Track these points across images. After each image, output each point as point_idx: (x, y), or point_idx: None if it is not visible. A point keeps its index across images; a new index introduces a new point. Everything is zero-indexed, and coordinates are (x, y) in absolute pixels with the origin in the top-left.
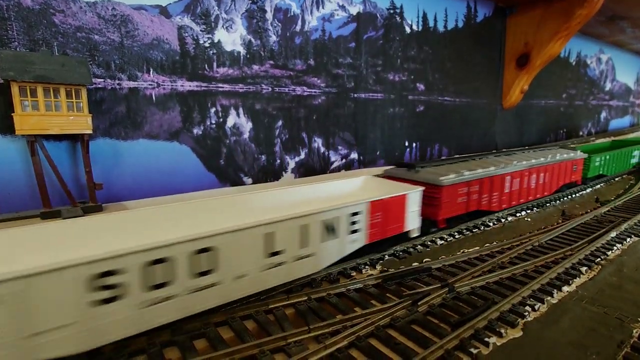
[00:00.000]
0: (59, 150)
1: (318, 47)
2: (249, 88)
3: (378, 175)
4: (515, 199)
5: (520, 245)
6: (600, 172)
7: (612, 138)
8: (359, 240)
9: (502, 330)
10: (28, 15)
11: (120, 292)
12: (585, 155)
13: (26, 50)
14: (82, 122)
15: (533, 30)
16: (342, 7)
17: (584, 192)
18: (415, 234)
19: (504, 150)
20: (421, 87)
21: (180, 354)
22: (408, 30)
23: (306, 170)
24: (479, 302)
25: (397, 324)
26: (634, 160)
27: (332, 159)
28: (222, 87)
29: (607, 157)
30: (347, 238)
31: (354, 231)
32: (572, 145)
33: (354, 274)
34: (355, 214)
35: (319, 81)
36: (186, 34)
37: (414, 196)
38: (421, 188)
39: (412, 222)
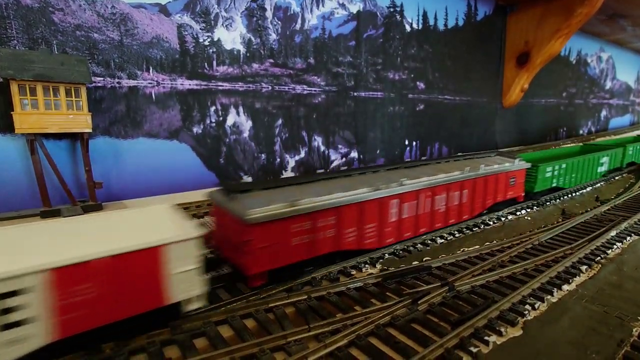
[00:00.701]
0: (58, 149)
1: (318, 45)
2: (249, 86)
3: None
4: (410, 229)
5: (521, 244)
6: (555, 185)
7: (584, 142)
8: (30, 338)
9: (502, 329)
10: (27, 13)
11: None
12: (527, 165)
13: (25, 49)
14: (81, 121)
15: (533, 28)
16: (342, 6)
17: (584, 190)
18: (196, 305)
19: (423, 159)
20: (421, 85)
21: (180, 353)
22: (408, 28)
23: (306, 169)
24: (479, 301)
25: (397, 323)
26: (601, 169)
27: (332, 157)
28: (222, 86)
29: (563, 166)
30: None
31: (12, 325)
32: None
33: (354, 272)
34: (8, 294)
35: (319, 80)
36: (186, 33)
37: (180, 249)
38: (196, 234)
39: (184, 289)
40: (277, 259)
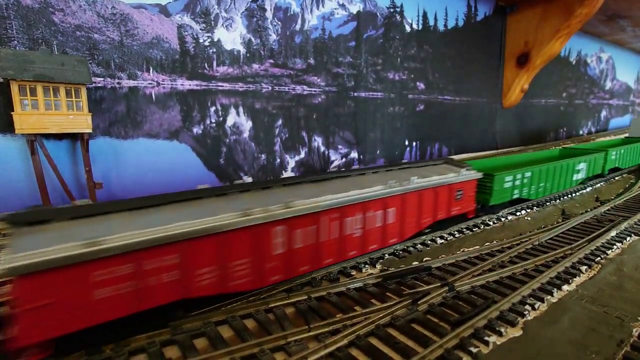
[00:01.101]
0: (58, 150)
1: (318, 45)
2: (249, 87)
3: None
4: (307, 262)
5: (521, 244)
6: (517, 196)
7: (562, 145)
8: None
9: (502, 329)
10: (27, 14)
11: None
12: (478, 176)
13: (26, 49)
14: (81, 121)
15: (533, 29)
16: (342, 6)
17: (584, 191)
18: None
19: (343, 170)
20: (421, 86)
21: (180, 353)
22: (408, 29)
23: (306, 169)
24: (479, 301)
25: (397, 323)
26: (577, 177)
27: (332, 157)
28: (222, 86)
29: (528, 174)
30: None
31: None
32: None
33: (354, 272)
34: None
35: (318, 80)
36: (186, 33)
37: None
38: None
39: None
40: (66, 321)
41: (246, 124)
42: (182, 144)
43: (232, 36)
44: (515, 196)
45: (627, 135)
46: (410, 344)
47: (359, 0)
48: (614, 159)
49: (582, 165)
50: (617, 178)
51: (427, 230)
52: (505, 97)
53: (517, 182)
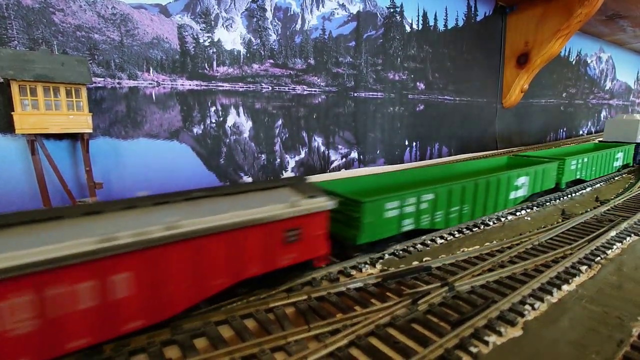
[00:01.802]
0: (59, 150)
1: (318, 46)
2: (249, 87)
3: None
4: None
5: (521, 244)
6: (413, 227)
7: (513, 153)
8: None
9: (502, 329)
10: (27, 14)
11: None
12: (328, 206)
13: (26, 49)
14: (82, 121)
15: (533, 29)
16: (342, 6)
17: (584, 191)
18: None
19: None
20: (421, 86)
21: (180, 353)
22: (408, 29)
23: (306, 169)
24: (479, 301)
25: (397, 323)
26: (517, 194)
27: (332, 158)
28: (222, 86)
29: (430, 196)
30: None
31: None
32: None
33: (354, 272)
34: None
35: (319, 80)
36: (186, 33)
37: None
38: None
39: None
40: None
41: (246, 124)
42: (182, 144)
43: (232, 36)
44: (406, 228)
45: (600, 139)
46: (410, 343)
47: (359, 0)
48: (573, 170)
49: (522, 180)
50: (616, 178)
51: (243, 290)
52: (505, 97)
53: (409, 209)
